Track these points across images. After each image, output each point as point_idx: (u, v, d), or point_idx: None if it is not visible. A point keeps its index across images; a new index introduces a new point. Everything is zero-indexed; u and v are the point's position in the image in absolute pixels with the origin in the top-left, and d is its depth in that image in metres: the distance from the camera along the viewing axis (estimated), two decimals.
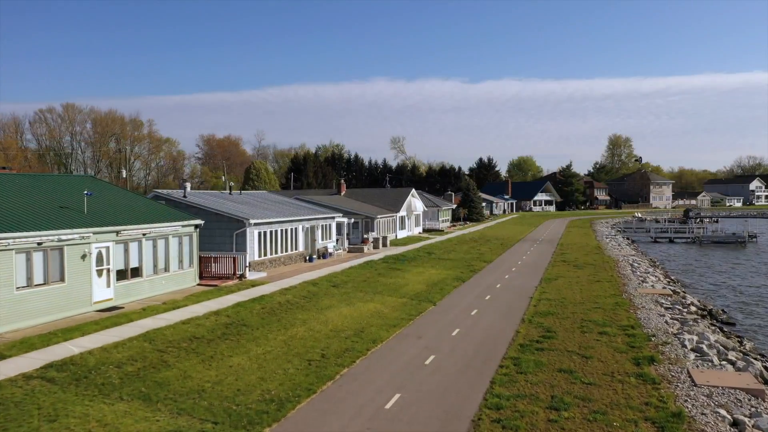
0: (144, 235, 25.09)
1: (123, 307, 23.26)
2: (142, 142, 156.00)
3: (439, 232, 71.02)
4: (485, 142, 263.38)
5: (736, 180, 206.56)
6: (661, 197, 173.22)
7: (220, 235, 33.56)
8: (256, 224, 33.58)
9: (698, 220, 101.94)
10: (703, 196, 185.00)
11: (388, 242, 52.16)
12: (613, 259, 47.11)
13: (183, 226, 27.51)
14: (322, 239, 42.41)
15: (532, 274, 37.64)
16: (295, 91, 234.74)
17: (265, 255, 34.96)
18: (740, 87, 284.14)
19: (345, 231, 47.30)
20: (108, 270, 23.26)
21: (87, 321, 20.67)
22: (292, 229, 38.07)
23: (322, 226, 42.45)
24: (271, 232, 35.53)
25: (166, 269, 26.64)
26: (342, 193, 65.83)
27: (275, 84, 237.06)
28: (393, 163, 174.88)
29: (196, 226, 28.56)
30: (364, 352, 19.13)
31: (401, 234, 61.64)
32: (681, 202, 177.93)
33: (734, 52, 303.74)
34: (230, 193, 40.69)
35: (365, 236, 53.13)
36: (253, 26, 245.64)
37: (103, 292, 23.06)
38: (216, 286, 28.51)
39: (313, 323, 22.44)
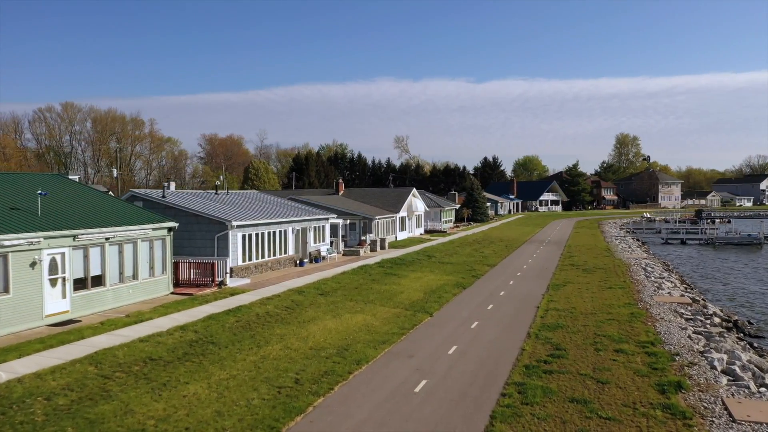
0: (107, 239, 22.58)
1: (80, 321, 20.77)
2: (143, 142, 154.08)
3: (442, 233, 68.41)
4: (491, 141, 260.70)
5: (746, 179, 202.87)
6: (670, 197, 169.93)
7: (201, 238, 31.08)
8: (239, 226, 31.06)
9: (709, 220, 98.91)
10: (713, 196, 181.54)
11: (387, 244, 49.59)
12: (624, 262, 44.37)
13: (154, 229, 25.01)
14: (315, 242, 39.88)
15: (539, 280, 34.99)
16: (300, 92, 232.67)
17: (250, 260, 32.43)
18: (746, 86, 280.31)
19: (340, 233, 44.75)
20: (63, 279, 20.76)
21: (33, 338, 18.18)
22: (280, 232, 35.55)
23: (315, 228, 39.92)
24: (256, 234, 33.00)
25: (135, 277, 24.13)
26: (340, 193, 63.33)
27: (281, 84, 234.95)
28: (397, 163, 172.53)
29: (170, 229, 26.06)
30: (346, 375, 16.55)
31: (402, 235, 59.06)
32: (690, 202, 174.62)
33: (740, 52, 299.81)
34: (217, 193, 38.20)
35: (362, 238, 50.58)
36: (260, 27, 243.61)
37: (58, 304, 20.57)
38: (191, 295, 26.00)
39: (292, 339, 19.88)
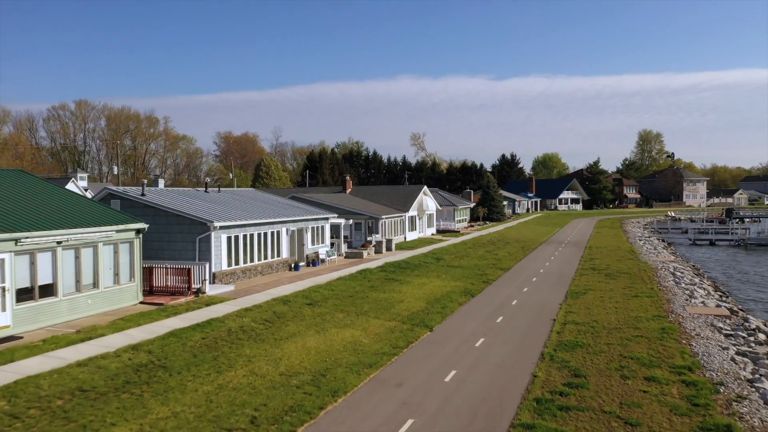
0: (59, 243, 19.82)
1: (21, 338, 18.05)
2: (158, 139, 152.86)
3: (455, 233, 65.12)
4: (511, 140, 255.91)
5: None
6: (695, 195, 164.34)
7: (182, 240, 28.30)
8: (223, 227, 28.21)
9: (738, 219, 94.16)
10: (740, 194, 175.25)
11: (394, 246, 46.50)
12: (650, 266, 40.77)
13: (119, 231, 22.21)
14: (313, 244, 36.95)
15: (556, 286, 31.66)
16: (320, 90, 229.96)
17: (237, 264, 29.58)
18: None
19: (342, 234, 41.76)
20: (3, 289, 18.02)
21: None
22: (273, 233, 32.65)
23: (313, 228, 36.98)
24: (244, 236, 30.13)
25: (95, 285, 21.35)
26: (348, 191, 60.37)
27: (301, 83, 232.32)
28: (413, 161, 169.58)
29: (138, 231, 23.24)
30: (315, 413, 13.54)
31: (411, 236, 55.92)
32: (716, 200, 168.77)
33: (766, 47, 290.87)
34: (207, 191, 35.40)
35: (368, 239, 47.59)
36: (280, 25, 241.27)
37: None
38: (161, 305, 23.18)
39: (261, 363, 16.91)
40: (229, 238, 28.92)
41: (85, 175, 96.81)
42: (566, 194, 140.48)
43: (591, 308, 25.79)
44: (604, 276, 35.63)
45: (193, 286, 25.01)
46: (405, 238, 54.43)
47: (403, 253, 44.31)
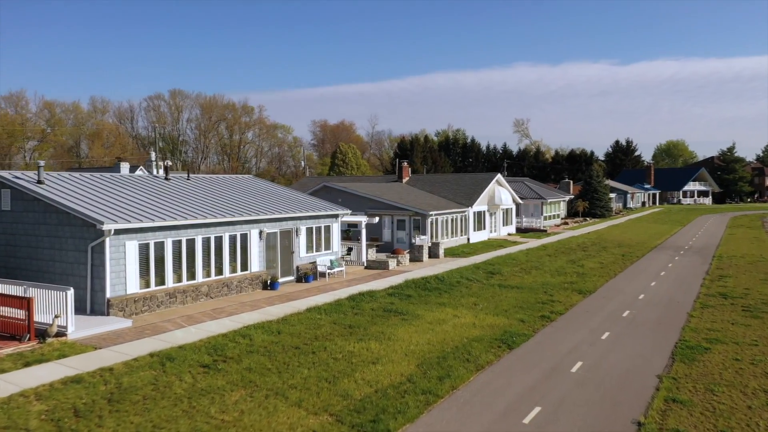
0: None
1: None
2: (253, 128, 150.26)
3: (539, 233, 52.56)
4: (633, 128, 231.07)
5: None
6: None
7: (73, 249, 19.36)
8: (126, 231, 18.90)
9: None
10: None
11: (442, 251, 35.44)
12: None
13: None
14: (311, 250, 26.97)
15: (659, 331, 19.50)
16: (434, 80, 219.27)
17: (160, 283, 20.21)
18: None
19: (364, 235, 31.35)
20: None
21: None
22: (234, 237, 23.03)
23: (311, 230, 26.99)
24: (175, 243, 20.68)
25: None
26: (404, 180, 49.84)
27: (415, 74, 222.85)
28: (515, 148, 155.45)
29: None
30: None
31: (477, 236, 44.40)
32: None
33: None
34: (167, 179, 26.47)
35: (413, 241, 36.98)
36: (394, 18, 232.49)
37: None
38: None
39: None
40: (142, 246, 19.57)
41: (169, 163, 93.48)
42: (692, 186, 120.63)
43: (718, 389, 13.77)
44: (740, 311, 22.72)
45: (33, 326, 15.81)
46: (468, 239, 43.09)
47: (449, 262, 33.19)
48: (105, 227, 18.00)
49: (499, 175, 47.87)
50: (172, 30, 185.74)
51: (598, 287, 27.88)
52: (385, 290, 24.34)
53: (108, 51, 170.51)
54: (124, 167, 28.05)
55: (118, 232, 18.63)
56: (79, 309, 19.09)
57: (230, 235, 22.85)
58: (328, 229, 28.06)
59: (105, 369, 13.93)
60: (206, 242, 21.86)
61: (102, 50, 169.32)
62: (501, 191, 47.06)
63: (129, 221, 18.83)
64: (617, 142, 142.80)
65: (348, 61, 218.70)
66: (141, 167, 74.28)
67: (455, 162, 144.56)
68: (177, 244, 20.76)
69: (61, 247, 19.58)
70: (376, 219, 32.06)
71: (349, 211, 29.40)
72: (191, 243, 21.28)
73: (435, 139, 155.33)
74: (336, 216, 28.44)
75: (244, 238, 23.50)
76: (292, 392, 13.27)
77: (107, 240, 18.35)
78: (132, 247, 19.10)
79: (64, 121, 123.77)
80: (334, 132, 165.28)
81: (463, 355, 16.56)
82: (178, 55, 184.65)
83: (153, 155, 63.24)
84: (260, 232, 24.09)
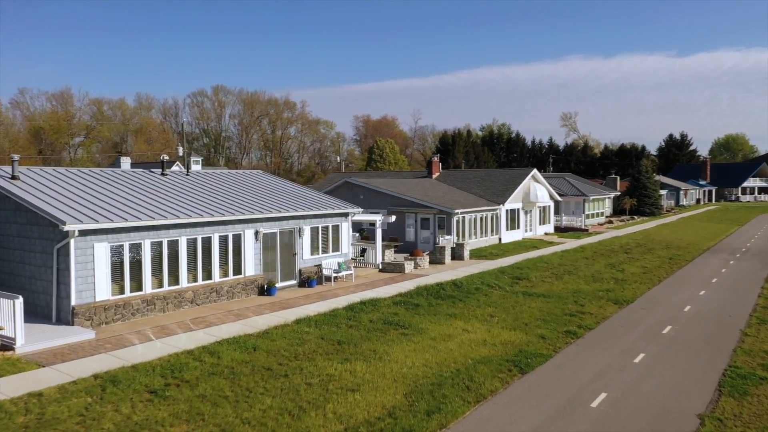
0: None
1: None
2: (295, 124, 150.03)
3: (580, 232, 49.06)
4: (690, 121, 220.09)
5: None
6: None
7: (41, 251, 17.70)
8: (90, 232, 17.07)
9: None
10: None
11: (467, 252, 32.72)
12: None
13: None
14: (317, 252, 24.78)
15: (704, 354, 16.47)
16: (483, 74, 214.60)
17: (137, 289, 18.35)
18: None
19: (379, 235, 28.96)
20: None
21: None
22: (224, 238, 21.03)
23: (316, 230, 24.80)
24: (154, 244, 18.79)
25: None
26: (434, 176, 47.20)
27: (464, 68, 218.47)
28: (561, 143, 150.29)
29: None
30: None
31: (510, 236, 41.42)
32: None
33: None
34: (164, 173, 24.72)
35: (437, 243, 34.47)
36: (444, 12, 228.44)
37: None
38: None
39: None
40: (115, 249, 17.73)
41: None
42: (752, 182, 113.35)
43: None
44: None
45: None
46: (500, 239, 40.16)
47: (472, 265, 30.48)
48: (68, 227, 16.19)
49: (535, 171, 44.66)
50: (217, 27, 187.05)
51: (637, 296, 24.74)
52: (391, 298, 21.92)
53: (152, 49, 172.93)
54: (125, 162, 26.47)
55: (85, 233, 16.82)
56: (45, 317, 17.45)
57: (221, 236, 20.85)
58: (336, 228, 25.80)
59: (34, 394, 12.04)
60: (192, 244, 19.91)
61: (146, 48, 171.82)
62: (537, 188, 43.87)
63: (97, 221, 16.99)
64: (671, 136, 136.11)
65: (395, 57, 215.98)
66: (177, 163, 73.98)
67: (499, 157, 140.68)
68: (157, 246, 18.86)
69: (30, 248, 17.98)
70: (393, 218, 29.61)
71: (360, 210, 27.05)
72: (174, 244, 19.36)
73: (479, 133, 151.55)
74: (345, 215, 26.15)
75: (237, 238, 21.46)
76: (242, 430, 11.05)
77: (72, 242, 16.56)
78: (102, 249, 17.27)
79: (110, 118, 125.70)
80: (377, 127, 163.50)
81: (464, 381, 14.04)
82: (222, 52, 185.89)
83: (180, 150, 62.52)
84: (256, 233, 22.02)
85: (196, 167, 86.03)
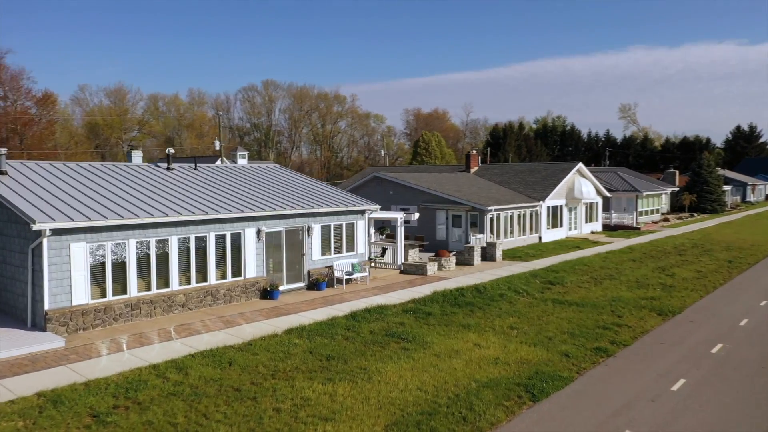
0: None
1: None
2: (345, 118, 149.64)
3: (631, 231, 45.60)
4: (763, 113, 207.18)
5: None
6: None
7: (19, 250, 16.61)
8: (66, 231, 15.82)
9: None
10: None
11: (500, 252, 30.31)
12: None
13: None
14: (328, 252, 23.04)
15: (760, 380, 13.79)
16: (542, 66, 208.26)
17: (121, 292, 17.05)
18: None
19: (401, 233, 26.95)
20: None
21: None
22: (222, 237, 19.53)
23: (334, 227, 23.06)
24: (139, 244, 17.43)
25: None
26: (472, 170, 44.76)
27: (522, 60, 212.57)
28: (619, 136, 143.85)
29: None
30: None
31: (551, 235, 38.63)
32: None
33: None
34: (170, 168, 23.49)
35: (466, 243, 32.23)
36: (503, 3, 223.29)
37: None
38: None
39: None
40: (95, 249, 16.45)
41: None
42: None
43: None
44: None
45: None
46: (540, 238, 37.45)
47: (503, 267, 28.06)
48: (37, 226, 14.98)
49: (580, 165, 41.56)
50: (267, 22, 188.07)
51: (686, 306, 21.88)
52: (402, 305, 19.92)
53: (204, 44, 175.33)
54: (136, 156, 25.42)
55: (59, 232, 15.59)
56: (22, 321, 16.37)
57: (217, 235, 19.37)
58: (351, 227, 23.98)
59: None
60: (184, 243, 18.49)
61: (198, 44, 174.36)
62: (582, 183, 40.82)
63: (72, 219, 15.72)
64: (738, 127, 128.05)
65: (451, 50, 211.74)
66: (222, 157, 74.05)
67: (552, 150, 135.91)
68: (144, 246, 17.51)
69: (10, 247, 16.95)
70: (416, 215, 27.56)
71: (378, 207, 25.11)
72: (163, 244, 17.98)
73: (533, 126, 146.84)
74: (361, 212, 24.29)
75: (237, 237, 19.94)
76: None
77: (44, 241, 15.36)
78: (80, 249, 16.01)
79: (163, 113, 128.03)
80: (427, 121, 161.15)
81: (461, 411, 11.97)
82: (273, 47, 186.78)
83: (217, 144, 62.13)
84: (258, 231, 20.44)
85: (242, 161, 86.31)
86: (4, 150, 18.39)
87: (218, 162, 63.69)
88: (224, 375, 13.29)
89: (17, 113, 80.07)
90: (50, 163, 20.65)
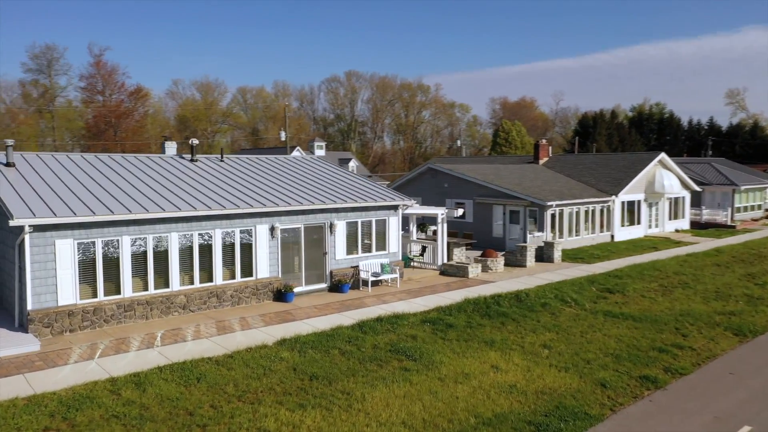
0: None
1: None
2: (429, 108, 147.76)
3: (721, 230, 40.54)
4: None
5: None
6: None
7: (12, 245, 15.93)
8: (50, 227, 14.88)
9: None
10: None
11: (558, 253, 27.24)
12: None
13: None
14: (353, 251, 21.18)
15: None
16: (645, 51, 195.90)
17: (115, 293, 16.00)
18: None
19: (443, 231, 24.60)
20: None
21: None
22: (230, 234, 18.13)
23: (362, 224, 21.19)
24: (135, 241, 16.30)
25: None
26: (541, 161, 41.36)
27: (622, 45, 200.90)
28: (724, 123, 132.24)
29: None
30: None
31: (625, 233, 34.75)
32: None
33: None
34: (193, 159, 22.46)
35: (523, 242, 29.40)
36: None
37: None
38: None
39: None
40: (84, 246, 15.47)
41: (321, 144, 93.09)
42: None
43: None
44: None
45: None
46: (612, 236, 33.76)
47: (560, 269, 25.02)
48: (15, 222, 14.10)
49: (663, 155, 37.15)
50: (351, 14, 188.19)
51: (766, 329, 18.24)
52: (423, 313, 17.71)
53: (288, 37, 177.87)
54: (170, 147, 24.69)
55: (43, 227, 14.68)
56: (8, 321, 15.66)
57: (224, 232, 17.97)
58: (382, 223, 21.97)
59: None
60: (186, 241, 17.22)
61: (283, 36, 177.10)
62: (665, 175, 36.49)
63: (55, 213, 14.76)
64: None
65: (548, 37, 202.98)
66: (297, 148, 74.18)
67: (648, 140, 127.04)
68: (140, 243, 16.38)
69: (7, 242, 16.36)
70: (460, 211, 25.17)
71: (414, 201, 22.89)
72: (162, 241, 16.78)
73: (628, 114, 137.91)
74: (394, 207, 22.20)
75: (248, 235, 18.48)
76: None
77: (26, 237, 14.50)
78: (66, 246, 15.06)
79: (250, 105, 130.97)
80: (514, 110, 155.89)
81: None
82: (356, 38, 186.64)
83: (282, 135, 61.82)
84: (272, 228, 18.89)
85: (319, 152, 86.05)
86: (11, 142, 17.88)
87: (294, 153, 63.55)
88: (185, 394, 11.75)
89: (112, 106, 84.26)
90: (67, 155, 20.08)
